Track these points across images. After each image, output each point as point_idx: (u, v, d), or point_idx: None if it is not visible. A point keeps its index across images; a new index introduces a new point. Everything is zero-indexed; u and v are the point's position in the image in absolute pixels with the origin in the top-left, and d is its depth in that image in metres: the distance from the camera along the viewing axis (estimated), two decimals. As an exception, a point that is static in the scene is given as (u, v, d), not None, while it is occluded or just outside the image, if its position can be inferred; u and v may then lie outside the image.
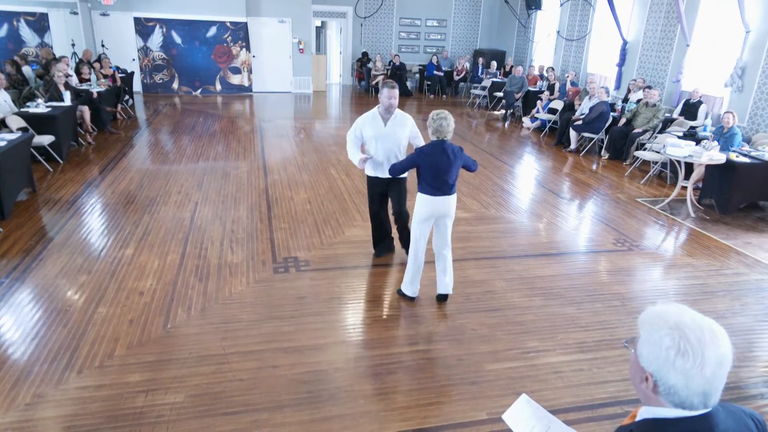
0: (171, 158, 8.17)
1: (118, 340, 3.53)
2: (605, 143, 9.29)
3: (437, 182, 3.82)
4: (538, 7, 14.34)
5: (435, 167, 3.79)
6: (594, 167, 8.68)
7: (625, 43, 11.29)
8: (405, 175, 4.37)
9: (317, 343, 3.60)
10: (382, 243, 4.96)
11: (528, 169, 8.59)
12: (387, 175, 4.31)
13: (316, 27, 17.45)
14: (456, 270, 4.63)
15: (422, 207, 3.90)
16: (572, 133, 9.53)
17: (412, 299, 4.20)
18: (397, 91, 4.26)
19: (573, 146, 9.55)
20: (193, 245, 5.03)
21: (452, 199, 3.93)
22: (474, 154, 9.01)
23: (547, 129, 10.95)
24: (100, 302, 3.98)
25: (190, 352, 3.43)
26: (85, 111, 8.74)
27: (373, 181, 4.55)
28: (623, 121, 9.06)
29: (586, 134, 9.41)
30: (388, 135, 4.32)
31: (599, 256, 5.26)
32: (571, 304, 4.26)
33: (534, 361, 3.52)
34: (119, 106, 10.75)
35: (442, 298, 4.19)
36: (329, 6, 15.91)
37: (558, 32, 13.80)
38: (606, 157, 9.17)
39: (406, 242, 4.66)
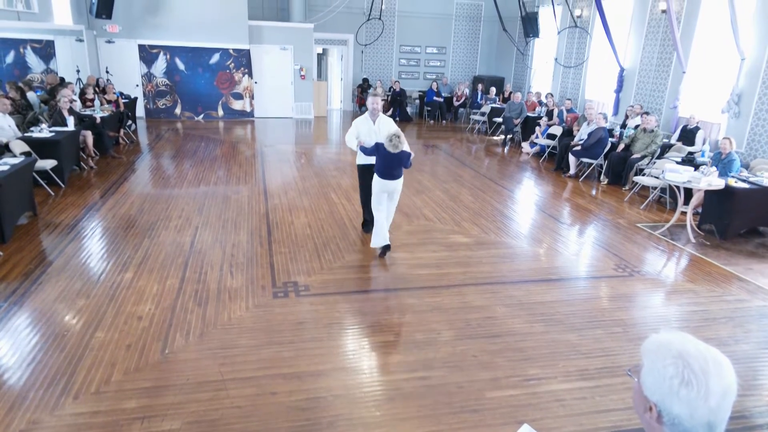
0: (172, 183, 8.21)
1: (115, 365, 3.49)
2: (604, 168, 9.34)
3: (386, 171, 5.36)
4: (536, 35, 14.60)
5: (385, 162, 5.33)
6: (593, 192, 8.71)
7: (622, 70, 11.46)
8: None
9: (317, 369, 3.56)
10: (370, 223, 6.03)
11: (528, 194, 8.62)
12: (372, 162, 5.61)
13: (318, 54, 17.73)
14: (456, 295, 4.77)
15: (376, 184, 5.44)
16: (571, 159, 9.60)
17: (387, 247, 5.47)
18: (379, 99, 5.79)
19: (572, 171, 9.61)
20: (193, 270, 5.02)
21: (397, 182, 5.47)
22: (474, 180, 9.07)
23: (546, 154, 11.03)
24: (98, 327, 3.95)
25: (187, 378, 3.39)
26: (88, 136, 8.82)
27: (363, 168, 5.89)
28: (622, 146, 9.13)
29: (585, 159, 9.47)
30: (376, 131, 5.72)
31: (600, 282, 5.24)
32: (572, 331, 4.22)
33: (535, 388, 3.47)
34: (122, 131, 10.85)
35: (387, 248, 5.54)
36: (331, 34, 16.19)
37: (555, 59, 14.02)
38: (605, 182, 9.21)
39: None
